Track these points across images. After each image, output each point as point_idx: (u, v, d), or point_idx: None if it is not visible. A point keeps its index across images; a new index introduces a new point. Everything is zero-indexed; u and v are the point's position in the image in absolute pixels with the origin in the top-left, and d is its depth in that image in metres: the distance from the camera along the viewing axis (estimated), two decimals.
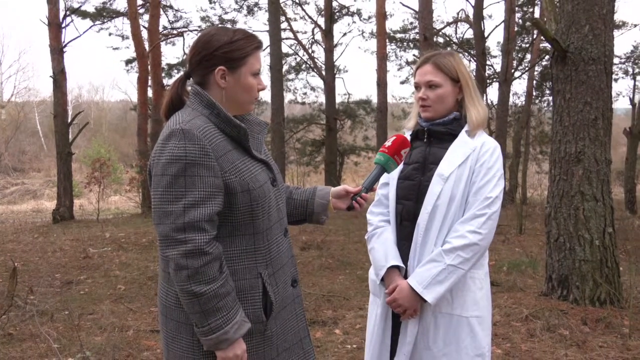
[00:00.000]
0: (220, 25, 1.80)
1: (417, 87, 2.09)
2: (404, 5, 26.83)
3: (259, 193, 1.65)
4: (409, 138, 1.98)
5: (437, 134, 2.06)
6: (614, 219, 4.76)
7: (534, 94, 19.36)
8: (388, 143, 1.91)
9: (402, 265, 2.01)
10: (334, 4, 18.22)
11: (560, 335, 4.03)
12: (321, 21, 18.31)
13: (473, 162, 1.97)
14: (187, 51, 1.80)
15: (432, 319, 1.97)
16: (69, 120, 14.46)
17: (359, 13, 20.16)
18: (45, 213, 18.05)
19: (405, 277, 2.01)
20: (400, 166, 1.98)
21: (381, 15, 15.92)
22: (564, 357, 3.66)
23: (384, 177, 2.01)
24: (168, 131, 1.58)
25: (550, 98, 19.28)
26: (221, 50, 1.63)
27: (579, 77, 4.67)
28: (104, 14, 18.43)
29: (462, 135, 2.02)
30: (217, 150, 1.58)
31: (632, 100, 15.34)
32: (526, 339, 4.00)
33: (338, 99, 18.25)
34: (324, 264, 7.11)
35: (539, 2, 17.93)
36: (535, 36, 17.42)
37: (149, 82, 16.29)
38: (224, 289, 1.55)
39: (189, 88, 1.73)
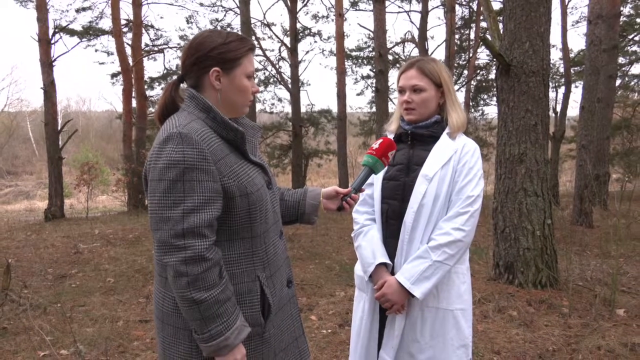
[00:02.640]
0: (211, 28, 1.53)
1: (402, 90, 1.90)
2: (361, 25, 26.77)
3: (257, 197, 1.43)
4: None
5: (420, 137, 1.88)
6: (552, 211, 4.73)
7: (471, 104, 19.61)
8: (375, 145, 1.73)
9: (389, 262, 1.84)
10: (298, 25, 18.01)
11: (510, 316, 3.95)
12: (287, 40, 18.05)
13: (455, 163, 1.81)
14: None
15: (419, 312, 1.80)
16: (59, 128, 13.83)
17: (319, 34, 20.06)
18: (38, 212, 17.19)
19: (392, 273, 1.83)
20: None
21: (340, 36, 15.79)
22: (516, 336, 3.57)
23: (369, 178, 1.84)
24: (165, 135, 1.34)
25: (484, 108, 19.62)
26: (215, 51, 1.41)
27: (521, 88, 4.62)
28: (90, 32, 17.67)
29: (444, 137, 1.86)
30: (215, 154, 1.36)
31: (554, 109, 15.67)
32: (481, 320, 3.91)
33: (303, 109, 18.02)
34: (295, 255, 6.91)
35: (474, 26, 18.19)
36: (471, 54, 17.63)
37: (133, 94, 15.76)
38: (224, 295, 1.33)
39: (182, 92, 1.51)
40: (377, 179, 1.91)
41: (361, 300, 1.95)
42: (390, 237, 1.86)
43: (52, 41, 13.24)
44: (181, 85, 1.52)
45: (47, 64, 13.00)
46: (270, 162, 19.12)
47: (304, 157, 17.61)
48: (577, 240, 6.92)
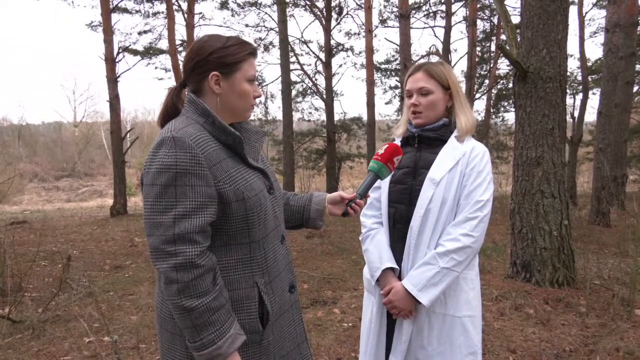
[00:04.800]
0: (213, 33, 1.33)
1: (409, 94, 1.68)
2: (388, 40, 26.32)
3: (254, 202, 1.26)
4: (399, 144, 1.59)
5: (427, 140, 1.66)
6: (569, 213, 4.36)
7: (492, 110, 18.89)
8: (381, 151, 1.53)
9: (396, 267, 1.62)
10: (332, 42, 17.86)
11: (527, 314, 3.64)
12: (322, 55, 17.93)
13: (463, 166, 1.57)
14: None
15: (426, 318, 1.59)
16: (122, 136, 14.16)
17: (351, 49, 19.76)
18: (107, 209, 17.68)
19: (399, 278, 1.62)
20: None
21: (369, 50, 15.50)
22: (532, 335, 3.27)
23: (376, 182, 1.63)
24: (159, 139, 1.19)
25: (505, 114, 18.89)
26: (214, 56, 1.25)
27: (537, 93, 4.29)
28: (150, 52, 18.01)
29: (452, 140, 1.63)
30: (210, 159, 1.19)
31: (572, 115, 14.88)
32: (497, 318, 3.61)
33: (336, 117, 17.82)
34: (325, 250, 6.73)
35: (494, 38, 17.53)
36: (492, 65, 16.98)
37: None
38: (216, 302, 1.16)
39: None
40: (384, 182, 1.70)
41: (369, 303, 1.74)
42: (398, 241, 1.65)
43: (117, 60, 13.53)
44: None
45: (112, 80, 13.31)
46: (307, 165, 19.01)
47: (337, 160, 17.43)
48: (595, 239, 6.45)
